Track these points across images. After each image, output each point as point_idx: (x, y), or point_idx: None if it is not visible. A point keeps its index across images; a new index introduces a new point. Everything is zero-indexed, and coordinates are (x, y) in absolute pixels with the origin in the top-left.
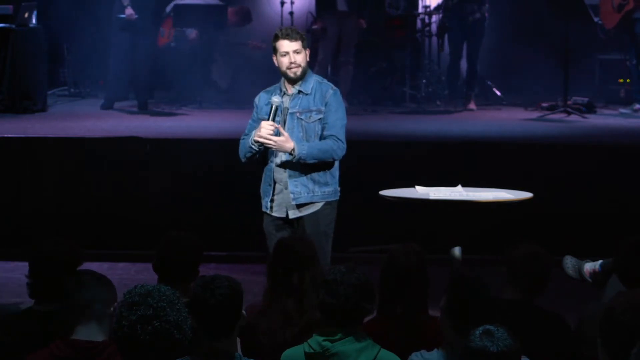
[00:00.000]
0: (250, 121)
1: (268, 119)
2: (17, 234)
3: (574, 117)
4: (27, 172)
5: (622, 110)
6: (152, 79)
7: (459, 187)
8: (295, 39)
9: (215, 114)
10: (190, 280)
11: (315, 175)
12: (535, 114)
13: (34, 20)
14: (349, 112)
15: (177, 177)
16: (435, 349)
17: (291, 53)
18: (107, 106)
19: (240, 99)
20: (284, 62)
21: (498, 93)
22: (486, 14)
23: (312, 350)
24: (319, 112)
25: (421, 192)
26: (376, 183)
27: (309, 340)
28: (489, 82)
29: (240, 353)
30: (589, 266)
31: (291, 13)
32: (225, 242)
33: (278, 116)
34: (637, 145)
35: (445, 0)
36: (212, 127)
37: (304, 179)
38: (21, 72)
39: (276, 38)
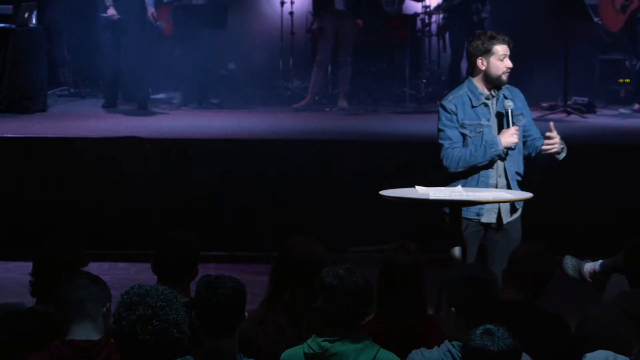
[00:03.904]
0: (446, 129)
1: (507, 124)
2: (17, 234)
3: (574, 117)
4: (27, 172)
5: (622, 110)
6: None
7: (459, 187)
8: (510, 45)
9: (216, 114)
10: (190, 280)
11: (521, 175)
12: (535, 114)
13: (34, 20)
14: (350, 112)
15: (177, 177)
16: (436, 347)
17: (507, 58)
18: (108, 105)
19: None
20: (501, 66)
21: None
22: (487, 15)
23: (311, 351)
24: (522, 115)
25: (421, 192)
26: (376, 183)
27: (308, 341)
28: None
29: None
30: (589, 266)
31: (291, 13)
32: (225, 242)
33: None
34: (637, 145)
35: (445, 0)
36: (213, 127)
37: (517, 182)
38: (21, 72)
39: (494, 40)
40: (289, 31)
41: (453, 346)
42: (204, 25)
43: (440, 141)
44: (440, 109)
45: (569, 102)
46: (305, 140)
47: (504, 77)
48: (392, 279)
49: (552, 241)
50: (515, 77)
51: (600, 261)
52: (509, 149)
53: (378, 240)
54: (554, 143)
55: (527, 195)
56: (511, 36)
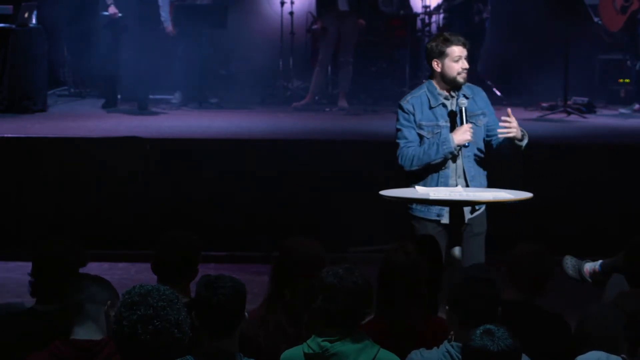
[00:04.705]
0: (403, 129)
1: (460, 122)
2: (17, 234)
3: (574, 117)
4: (27, 172)
5: (622, 110)
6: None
7: (459, 187)
8: (465, 47)
9: (216, 114)
10: (190, 280)
11: (483, 176)
12: (535, 114)
13: (34, 20)
14: (350, 112)
15: (176, 177)
16: (435, 348)
17: (463, 59)
18: (108, 105)
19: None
20: (456, 67)
21: (498, 93)
22: (487, 15)
23: (311, 351)
24: (484, 114)
25: (421, 192)
26: (376, 183)
27: (307, 341)
28: (488, 82)
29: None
30: (589, 266)
31: (291, 13)
32: (225, 242)
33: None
34: (637, 145)
35: (445, 0)
36: (213, 127)
37: (479, 180)
38: (21, 72)
39: (447, 43)
40: (289, 31)
41: (452, 347)
42: (204, 24)
43: (397, 141)
44: (399, 109)
45: (569, 102)
46: (305, 140)
47: (460, 78)
48: (391, 279)
49: (552, 241)
50: (516, 77)
51: (600, 261)
52: (462, 146)
53: (378, 240)
54: (511, 126)
55: (527, 195)
56: (512, 36)
